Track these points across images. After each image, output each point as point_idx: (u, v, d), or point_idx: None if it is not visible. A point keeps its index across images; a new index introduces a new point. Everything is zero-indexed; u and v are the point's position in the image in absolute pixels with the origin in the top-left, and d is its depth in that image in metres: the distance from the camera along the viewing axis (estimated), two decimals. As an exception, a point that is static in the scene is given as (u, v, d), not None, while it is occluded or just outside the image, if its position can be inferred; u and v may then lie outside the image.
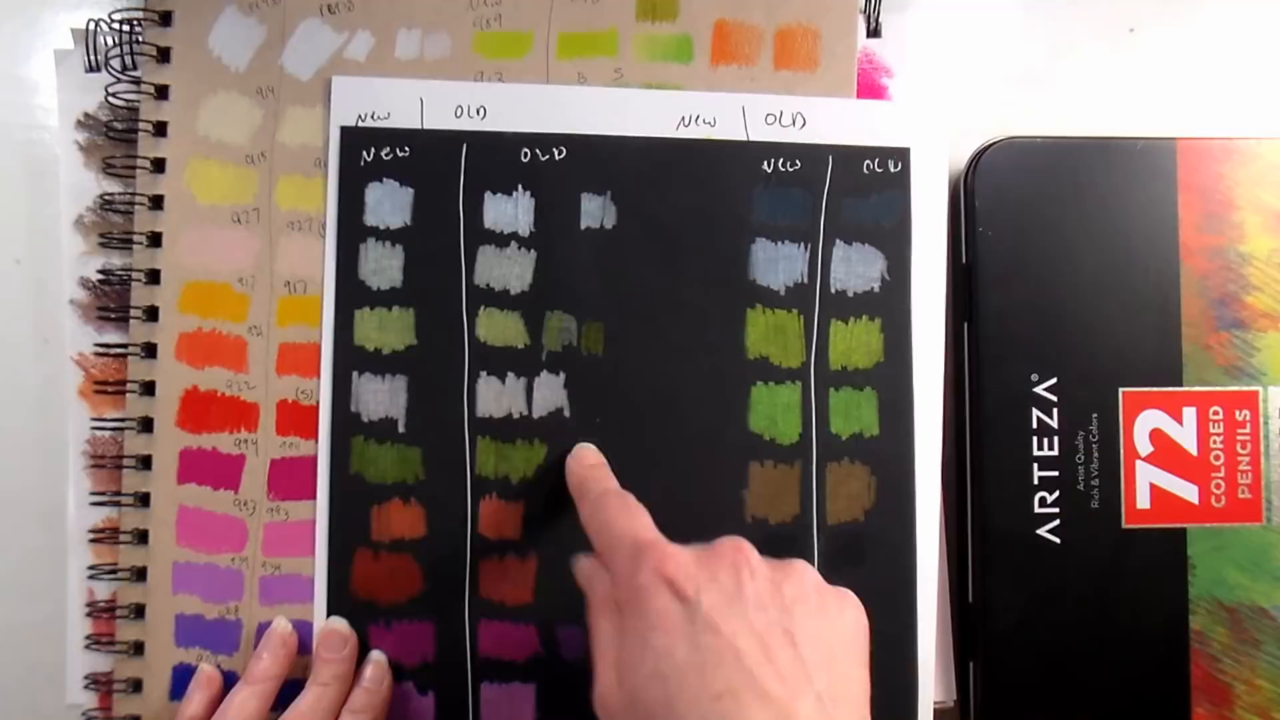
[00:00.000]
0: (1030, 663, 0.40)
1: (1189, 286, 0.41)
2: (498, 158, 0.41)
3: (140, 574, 0.41)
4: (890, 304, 0.41)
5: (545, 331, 0.41)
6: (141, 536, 0.41)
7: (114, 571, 0.41)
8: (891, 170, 0.41)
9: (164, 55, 0.41)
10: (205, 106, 0.41)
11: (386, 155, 0.41)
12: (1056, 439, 0.41)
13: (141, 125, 0.41)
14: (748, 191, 0.41)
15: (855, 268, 0.41)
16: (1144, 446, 0.41)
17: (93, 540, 0.41)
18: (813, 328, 0.41)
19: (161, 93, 0.41)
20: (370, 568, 0.40)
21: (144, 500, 0.41)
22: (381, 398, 0.41)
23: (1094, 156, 0.42)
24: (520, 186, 0.41)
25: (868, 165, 0.41)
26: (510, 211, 0.41)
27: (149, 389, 0.41)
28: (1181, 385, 0.41)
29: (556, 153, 0.41)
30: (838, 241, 0.41)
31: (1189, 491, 0.41)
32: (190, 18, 0.41)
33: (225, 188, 0.41)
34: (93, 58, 0.42)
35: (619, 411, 0.41)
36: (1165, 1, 0.44)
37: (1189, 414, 0.41)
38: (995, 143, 0.42)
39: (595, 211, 0.41)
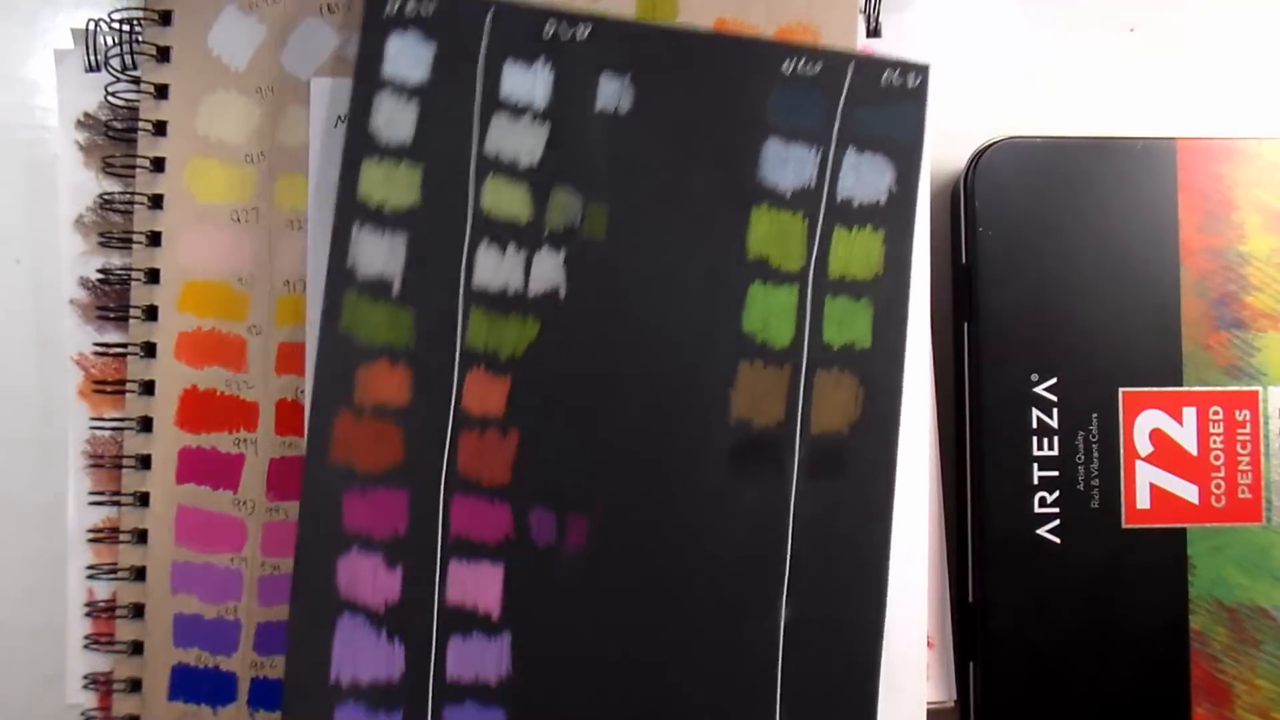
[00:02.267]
0: (1030, 663, 0.40)
1: (1189, 286, 0.41)
2: (521, 28, 0.40)
3: (139, 573, 0.41)
4: (894, 218, 0.41)
5: (549, 208, 0.40)
6: (141, 536, 0.41)
7: (113, 571, 0.41)
8: (910, 85, 0.41)
9: (164, 55, 0.41)
10: (205, 106, 0.41)
11: (410, 11, 0.40)
12: (1056, 439, 0.41)
13: (141, 125, 0.41)
14: (765, 89, 0.41)
15: (864, 177, 0.41)
16: (1144, 446, 0.41)
17: (92, 540, 0.41)
18: (815, 233, 0.41)
19: (161, 92, 0.41)
20: (351, 432, 0.39)
21: (143, 500, 0.41)
22: (379, 254, 0.40)
23: (1094, 156, 0.42)
24: (541, 59, 0.40)
25: (888, 77, 0.41)
26: (528, 83, 0.40)
27: (148, 388, 0.41)
28: (1181, 385, 0.41)
29: (581, 30, 0.40)
30: (849, 149, 0.41)
31: (1189, 491, 0.41)
32: (190, 17, 0.41)
33: (225, 187, 0.41)
34: (92, 57, 0.42)
35: (614, 296, 0.40)
36: (1165, 1, 0.44)
37: (1189, 414, 0.41)
38: (995, 143, 0.42)
39: (613, 94, 0.40)
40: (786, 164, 0.41)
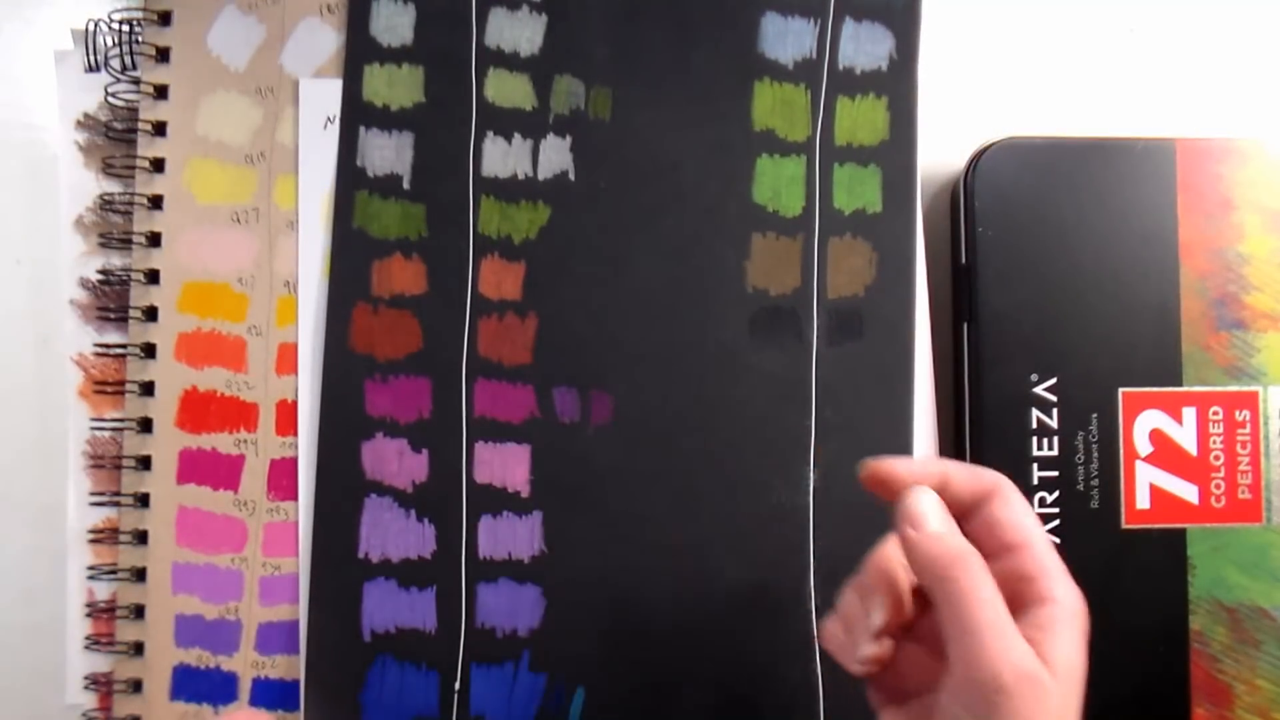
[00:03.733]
0: (1030, 663, 0.40)
1: (1188, 286, 0.41)
2: None
3: (140, 574, 0.41)
4: (897, 83, 0.41)
5: (553, 94, 0.41)
6: (141, 537, 0.41)
7: (114, 572, 0.41)
8: None
9: (163, 55, 0.41)
10: (204, 106, 0.41)
11: None
12: (1056, 439, 0.41)
13: (141, 125, 0.41)
14: None
15: (864, 45, 0.41)
16: (1144, 447, 0.41)
17: (92, 540, 0.41)
18: (819, 103, 0.41)
19: (161, 92, 0.41)
20: (369, 322, 0.40)
21: (143, 500, 0.41)
22: (388, 153, 0.41)
23: (1094, 156, 0.42)
24: None
25: None
26: None
27: (148, 389, 0.41)
28: (1181, 385, 0.41)
29: None
30: (847, 18, 0.41)
31: (1189, 492, 0.41)
32: (189, 17, 0.41)
33: (224, 187, 0.41)
34: (92, 58, 0.42)
35: (623, 177, 0.41)
36: (1165, 1, 0.44)
37: (1189, 414, 0.41)
38: (995, 143, 0.42)
39: None
40: (786, 36, 0.41)
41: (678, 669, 0.40)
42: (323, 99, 0.41)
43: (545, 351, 0.40)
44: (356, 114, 0.41)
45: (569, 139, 0.41)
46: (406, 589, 0.40)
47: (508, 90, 0.41)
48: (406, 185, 0.41)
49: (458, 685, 0.40)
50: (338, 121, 0.41)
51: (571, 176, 0.41)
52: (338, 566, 0.40)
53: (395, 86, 0.41)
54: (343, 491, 0.40)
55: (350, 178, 0.41)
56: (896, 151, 0.41)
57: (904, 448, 0.40)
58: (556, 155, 0.41)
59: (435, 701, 0.40)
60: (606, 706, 0.40)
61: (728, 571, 0.40)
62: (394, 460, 0.40)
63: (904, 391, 0.41)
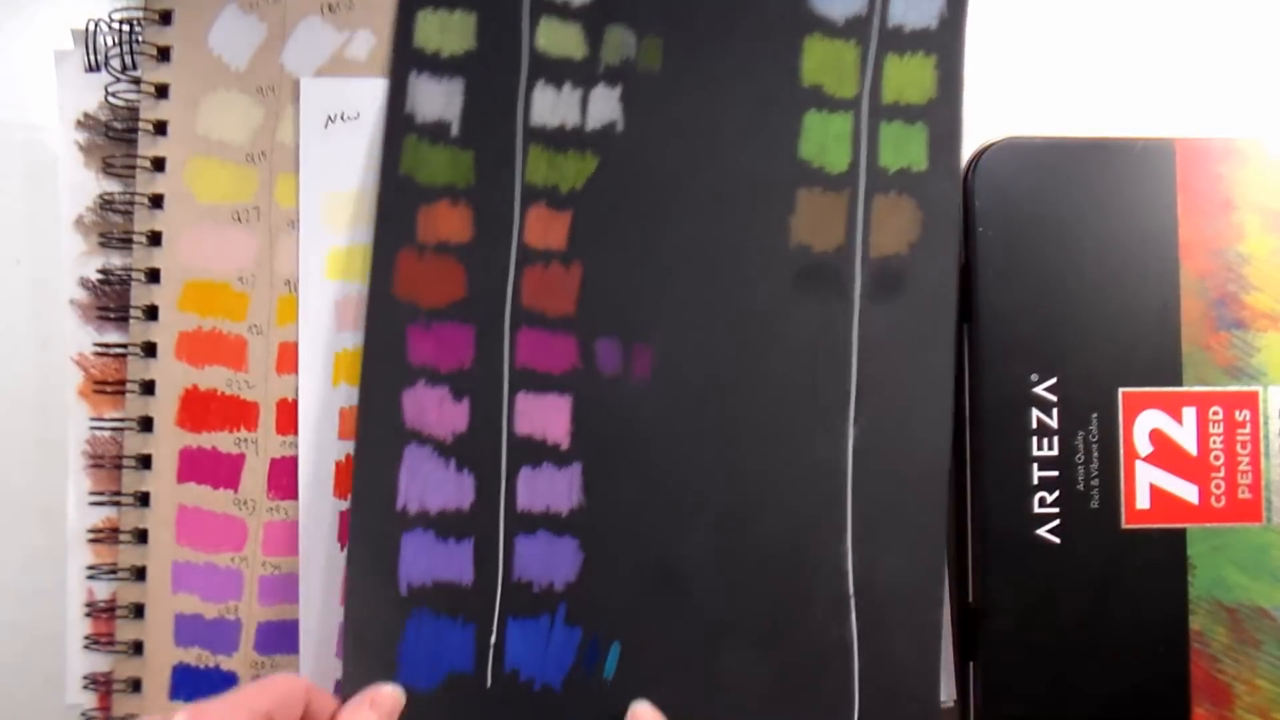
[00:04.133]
0: (1030, 663, 0.40)
1: (1188, 286, 0.41)
2: None
3: (140, 573, 0.41)
4: (945, 42, 0.41)
5: (604, 44, 0.41)
6: (141, 536, 0.41)
7: (113, 571, 0.41)
8: None
9: (164, 54, 0.41)
10: (205, 105, 0.41)
11: None
12: (1056, 439, 0.41)
13: (141, 125, 0.41)
14: None
15: (914, 3, 0.41)
16: (1144, 446, 0.41)
17: (92, 540, 0.41)
18: (868, 60, 0.41)
19: (161, 92, 0.41)
20: (414, 269, 0.40)
21: (143, 500, 0.41)
22: (437, 99, 0.40)
23: (1094, 156, 0.42)
24: None
25: None
26: None
27: (148, 388, 0.41)
28: (1181, 385, 0.41)
29: None
30: None
31: (1189, 491, 0.41)
32: (190, 16, 0.41)
33: (225, 186, 0.41)
34: (93, 57, 0.42)
35: (670, 127, 0.41)
36: (1165, 2, 0.44)
37: (1189, 414, 0.41)
38: (995, 143, 0.42)
39: None
40: None
41: (713, 625, 0.40)
42: (323, 98, 0.41)
43: (589, 302, 0.40)
44: (407, 60, 0.41)
45: (619, 89, 0.41)
46: (444, 541, 0.40)
47: (559, 39, 0.41)
48: (455, 132, 0.40)
49: (493, 639, 0.40)
50: (339, 118, 0.41)
51: (620, 127, 0.41)
52: (377, 519, 0.39)
53: (447, 33, 0.41)
54: (383, 440, 0.40)
55: (399, 123, 0.40)
56: (943, 110, 0.41)
57: (943, 406, 0.40)
58: (605, 105, 0.41)
59: (471, 655, 0.40)
60: (642, 661, 0.40)
61: (764, 528, 0.40)
62: (435, 409, 0.40)
63: (945, 349, 0.40)
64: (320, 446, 0.41)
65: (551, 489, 0.40)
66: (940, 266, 0.40)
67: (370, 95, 0.41)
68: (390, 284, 0.40)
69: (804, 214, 0.41)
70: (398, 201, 0.40)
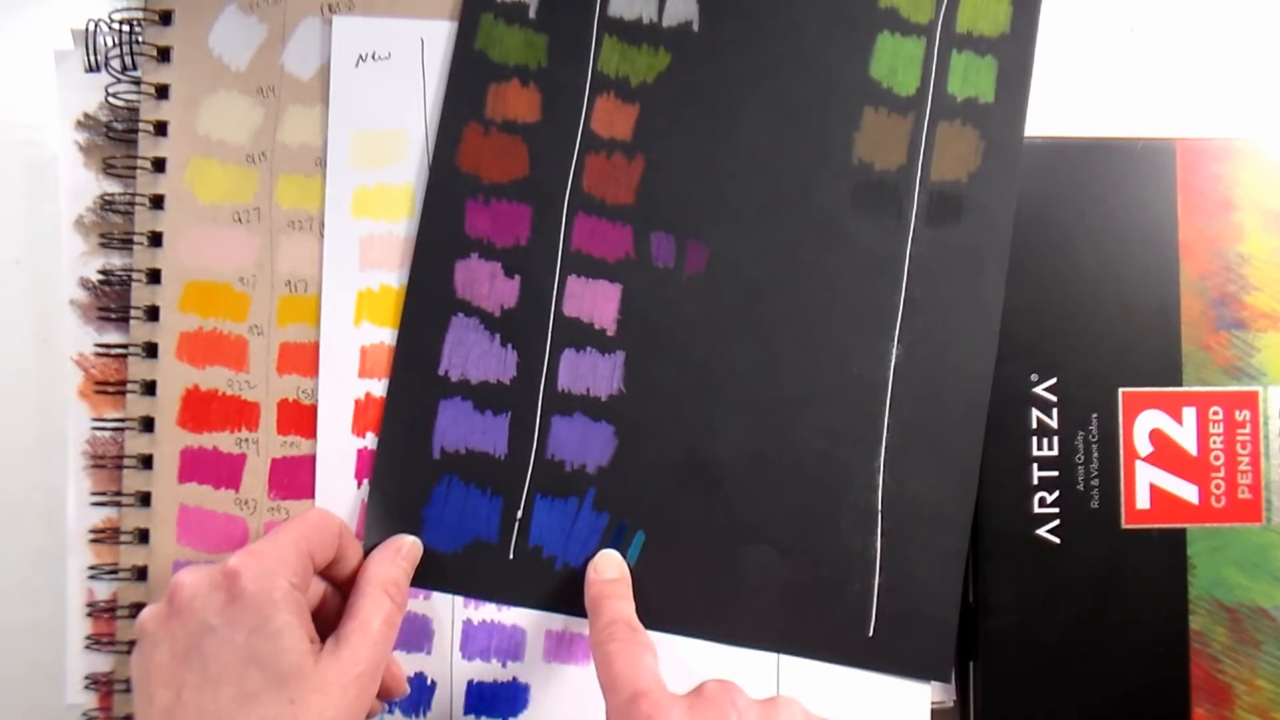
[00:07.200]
0: (1030, 663, 0.41)
1: (1188, 286, 0.41)
2: None
3: (141, 574, 0.41)
4: None
5: None
6: (142, 536, 0.41)
7: (114, 571, 0.41)
8: None
9: (164, 55, 0.41)
10: (205, 106, 0.41)
11: None
12: (1056, 439, 0.41)
13: (141, 125, 0.41)
14: None
15: None
16: (1144, 446, 0.41)
17: (93, 540, 0.41)
18: None
19: (161, 92, 0.41)
20: (479, 143, 0.41)
21: (145, 500, 0.41)
22: None
23: (1094, 157, 0.42)
24: None
25: None
26: None
27: (150, 389, 0.41)
28: (1181, 385, 0.41)
29: None
30: None
31: (1189, 491, 0.41)
32: (190, 17, 0.41)
33: (226, 187, 0.41)
34: (93, 58, 0.42)
35: (745, 33, 0.41)
36: (1165, 1, 0.44)
37: (1189, 414, 0.41)
38: (995, 143, 0.42)
39: None
40: None
41: (739, 524, 0.40)
42: (355, 37, 0.41)
43: (648, 195, 0.41)
44: None
45: None
46: (482, 411, 0.40)
47: None
48: (532, 15, 0.41)
49: (520, 513, 0.40)
50: (370, 58, 0.41)
51: (695, 27, 0.41)
52: (417, 382, 0.40)
53: None
54: (431, 308, 0.41)
55: (477, 0, 0.41)
56: (1015, 46, 0.41)
57: (989, 336, 0.41)
58: (683, 3, 0.41)
59: (496, 526, 0.40)
60: (665, 553, 0.40)
61: (800, 433, 0.40)
62: (486, 282, 0.41)
63: (996, 279, 0.41)
64: (340, 384, 0.41)
65: (594, 373, 0.41)
66: (998, 198, 0.41)
67: (403, 36, 0.41)
68: (455, 156, 0.41)
69: (868, 132, 0.41)
70: (469, 76, 0.41)
